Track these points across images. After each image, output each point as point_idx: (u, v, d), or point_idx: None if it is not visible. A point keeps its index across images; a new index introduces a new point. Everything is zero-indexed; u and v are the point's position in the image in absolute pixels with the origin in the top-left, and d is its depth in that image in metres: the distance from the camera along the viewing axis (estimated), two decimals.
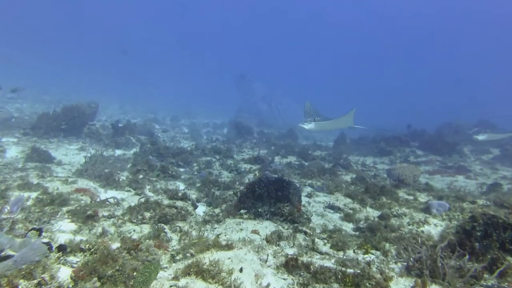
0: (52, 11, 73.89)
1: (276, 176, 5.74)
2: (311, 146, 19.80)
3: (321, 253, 4.11)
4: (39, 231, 3.62)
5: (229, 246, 3.78)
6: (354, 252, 4.21)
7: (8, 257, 2.82)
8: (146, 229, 4.70)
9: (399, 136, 17.22)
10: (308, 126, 9.37)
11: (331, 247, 4.33)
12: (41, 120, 11.68)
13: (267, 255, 3.65)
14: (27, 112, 17.61)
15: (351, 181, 9.55)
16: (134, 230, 4.61)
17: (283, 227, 5.03)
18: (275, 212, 5.39)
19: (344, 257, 3.97)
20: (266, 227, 5.03)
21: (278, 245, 4.31)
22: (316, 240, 4.46)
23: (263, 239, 4.55)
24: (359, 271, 3.35)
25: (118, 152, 11.22)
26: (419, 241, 3.78)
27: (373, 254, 4.17)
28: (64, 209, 4.81)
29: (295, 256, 3.50)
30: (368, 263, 3.67)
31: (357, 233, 5.16)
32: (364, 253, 4.16)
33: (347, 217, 5.82)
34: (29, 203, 4.85)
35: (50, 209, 4.63)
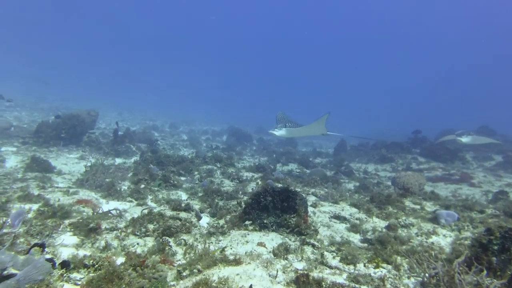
0: (44, 13, 74.22)
1: (281, 186, 5.65)
2: (311, 153, 19.77)
3: (331, 267, 4.00)
4: (42, 246, 3.50)
5: (237, 261, 3.67)
6: (364, 266, 4.11)
7: (10, 275, 2.71)
8: (150, 242, 4.58)
9: (400, 142, 17.17)
10: (279, 132, 9.32)
11: (340, 261, 4.22)
12: (41, 129, 11.57)
13: (277, 271, 3.54)
14: (26, 120, 17.53)
15: (354, 189, 9.46)
16: (137, 243, 4.49)
17: (290, 240, 4.92)
18: (281, 223, 5.28)
19: (356, 271, 3.86)
20: (273, 239, 4.92)
21: (286, 258, 4.20)
22: (325, 253, 4.35)
23: (270, 252, 4.45)
24: None
25: (118, 160, 11.11)
26: (433, 255, 3.68)
27: (384, 268, 4.07)
28: (66, 221, 4.69)
29: (305, 272, 3.39)
30: (382, 279, 3.56)
31: (365, 244, 5.06)
32: (375, 267, 4.05)
33: (354, 228, 5.72)
34: (30, 215, 4.74)
35: (51, 222, 4.51)
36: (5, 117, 17.01)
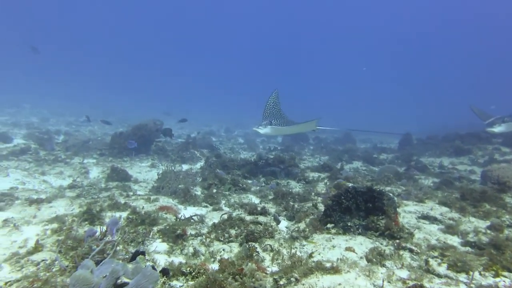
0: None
1: (365, 185, 5.27)
2: (372, 150, 18.75)
3: (439, 275, 3.56)
4: (143, 254, 3.60)
5: (335, 269, 3.42)
6: (480, 274, 3.59)
7: (124, 284, 2.78)
8: (235, 247, 4.53)
9: (477, 132, 15.49)
10: (264, 130, 8.60)
11: (448, 268, 3.75)
12: (114, 140, 12.44)
13: (383, 281, 3.22)
14: (99, 133, 19.09)
15: (435, 185, 8.65)
16: (223, 250, 4.46)
17: (381, 244, 4.54)
18: (367, 226, 4.91)
19: (472, 281, 3.38)
20: (361, 243, 4.58)
21: (384, 265, 3.84)
22: (429, 259, 3.91)
23: (362, 258, 4.12)
24: None
25: (185, 166, 11.49)
26: None
27: (505, 276, 3.52)
28: (155, 228, 4.84)
29: (419, 283, 3.03)
30: None
31: (467, 248, 4.49)
32: (494, 276, 3.52)
33: (450, 229, 5.13)
34: (121, 223, 4.98)
35: (142, 229, 4.68)
36: (82, 132, 18.75)
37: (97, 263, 3.15)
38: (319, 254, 4.34)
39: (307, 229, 5.12)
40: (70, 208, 5.67)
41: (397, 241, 4.48)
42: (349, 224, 5.05)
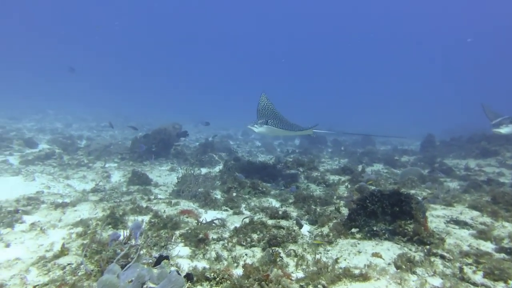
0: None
1: (391, 189, 5.09)
2: (392, 151, 18.30)
3: (475, 284, 3.36)
4: (167, 259, 3.58)
5: (364, 277, 3.29)
6: None
7: None
8: (257, 252, 4.46)
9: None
10: (259, 129, 8.57)
11: (485, 276, 3.54)
12: (135, 145, 12.64)
13: None
14: (119, 138, 19.47)
15: (461, 188, 8.30)
16: (246, 254, 4.39)
17: (410, 250, 4.35)
18: (394, 231, 4.73)
19: None
20: (389, 249, 4.41)
21: (415, 273, 3.67)
22: (463, 267, 3.70)
23: (390, 264, 3.96)
24: None
25: (204, 170, 11.52)
26: None
27: None
28: (177, 232, 4.83)
29: None
30: None
31: (503, 255, 4.24)
32: None
33: (482, 235, 4.87)
34: (143, 227, 5.00)
35: (164, 233, 4.68)
36: (103, 136, 19.19)
37: (122, 267, 3.14)
38: (345, 260, 4.20)
39: (331, 234, 4.98)
40: (94, 212, 5.76)
41: (427, 247, 4.28)
42: (375, 229, 4.88)
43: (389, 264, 3.98)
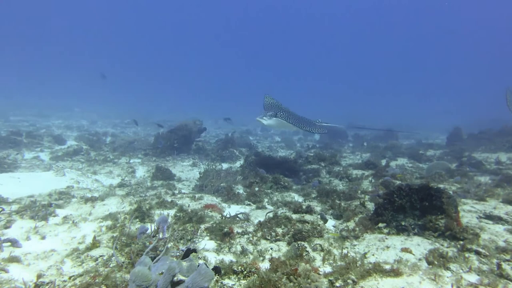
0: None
1: (420, 183, 4.94)
2: (417, 145, 17.78)
3: None
4: (195, 252, 3.62)
5: (395, 272, 3.20)
6: None
7: (179, 282, 2.78)
8: (283, 246, 4.44)
9: None
10: (267, 121, 8.53)
11: None
12: (157, 140, 12.87)
13: (452, 286, 2.95)
14: (142, 134, 19.89)
15: (493, 183, 7.94)
16: (271, 248, 4.37)
17: (442, 245, 4.20)
18: (424, 226, 4.58)
19: None
20: (419, 244, 4.27)
21: (448, 268, 3.53)
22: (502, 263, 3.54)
23: (421, 259, 3.84)
24: None
25: (225, 165, 11.60)
26: None
27: None
28: (202, 226, 4.87)
29: None
30: None
31: None
32: None
33: None
34: (170, 221, 5.08)
35: (190, 227, 4.73)
36: (127, 133, 19.67)
37: (151, 259, 3.19)
38: (373, 255, 4.11)
39: (357, 229, 4.89)
40: (121, 206, 5.91)
41: (461, 242, 4.11)
42: (403, 224, 4.75)
43: (420, 259, 3.86)
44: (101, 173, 9.29)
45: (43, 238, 4.34)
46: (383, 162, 11.32)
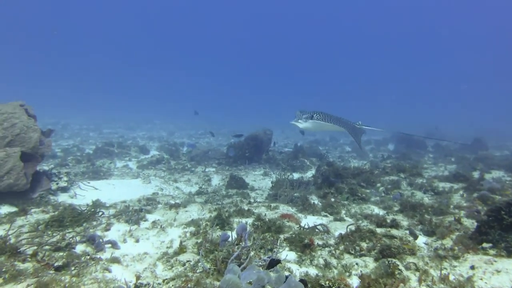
0: None
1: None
2: None
3: None
4: (279, 262, 3.56)
5: None
6: None
7: None
8: (369, 262, 4.13)
9: None
10: (303, 124, 8.09)
11: None
12: (229, 150, 13.32)
13: None
14: (214, 144, 20.85)
15: None
16: (356, 264, 4.10)
17: None
18: None
19: None
20: None
21: None
22: None
23: None
24: None
25: (296, 175, 11.44)
26: None
27: None
28: (281, 236, 4.80)
29: None
30: None
31: None
32: None
33: None
34: (249, 229, 5.12)
35: (269, 236, 4.70)
36: (201, 143, 20.83)
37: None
38: (481, 279, 3.57)
39: (456, 248, 4.32)
40: (202, 212, 6.16)
41: None
42: None
43: None
44: (180, 181, 9.91)
45: (137, 241, 4.71)
46: (475, 174, 10.00)
